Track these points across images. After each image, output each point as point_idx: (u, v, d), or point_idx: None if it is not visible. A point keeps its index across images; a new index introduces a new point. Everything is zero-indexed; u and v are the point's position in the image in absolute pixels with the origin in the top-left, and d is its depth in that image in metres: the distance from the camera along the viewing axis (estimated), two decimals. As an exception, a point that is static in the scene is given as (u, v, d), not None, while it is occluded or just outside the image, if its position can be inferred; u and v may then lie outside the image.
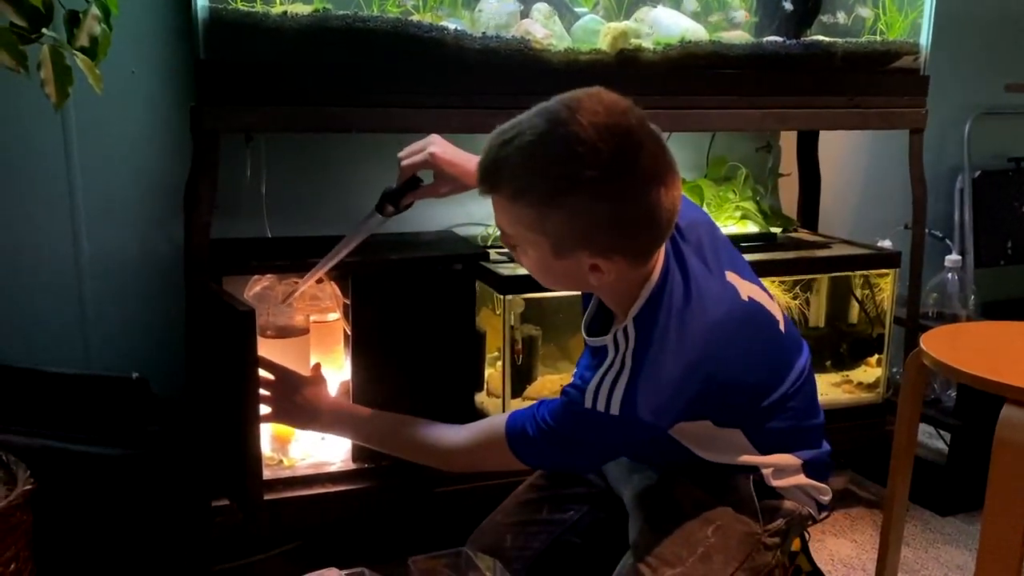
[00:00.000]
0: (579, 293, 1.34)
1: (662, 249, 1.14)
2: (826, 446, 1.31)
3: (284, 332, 1.63)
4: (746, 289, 1.20)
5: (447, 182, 1.37)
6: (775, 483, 1.24)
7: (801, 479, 1.26)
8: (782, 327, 1.26)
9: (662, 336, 1.10)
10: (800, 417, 1.26)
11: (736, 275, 1.21)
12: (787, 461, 1.25)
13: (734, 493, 1.23)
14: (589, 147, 1.00)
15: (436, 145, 1.36)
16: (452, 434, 1.29)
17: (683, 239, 1.18)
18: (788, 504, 1.25)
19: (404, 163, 1.37)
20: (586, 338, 1.24)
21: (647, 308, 1.12)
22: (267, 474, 1.58)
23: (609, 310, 1.22)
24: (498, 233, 1.90)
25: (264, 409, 1.39)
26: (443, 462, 1.32)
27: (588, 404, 1.10)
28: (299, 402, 1.37)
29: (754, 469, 1.23)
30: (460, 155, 1.37)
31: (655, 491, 1.27)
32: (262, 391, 1.38)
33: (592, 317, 1.25)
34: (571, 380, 1.17)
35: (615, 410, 1.08)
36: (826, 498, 1.29)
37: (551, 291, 1.72)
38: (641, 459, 1.32)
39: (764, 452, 1.23)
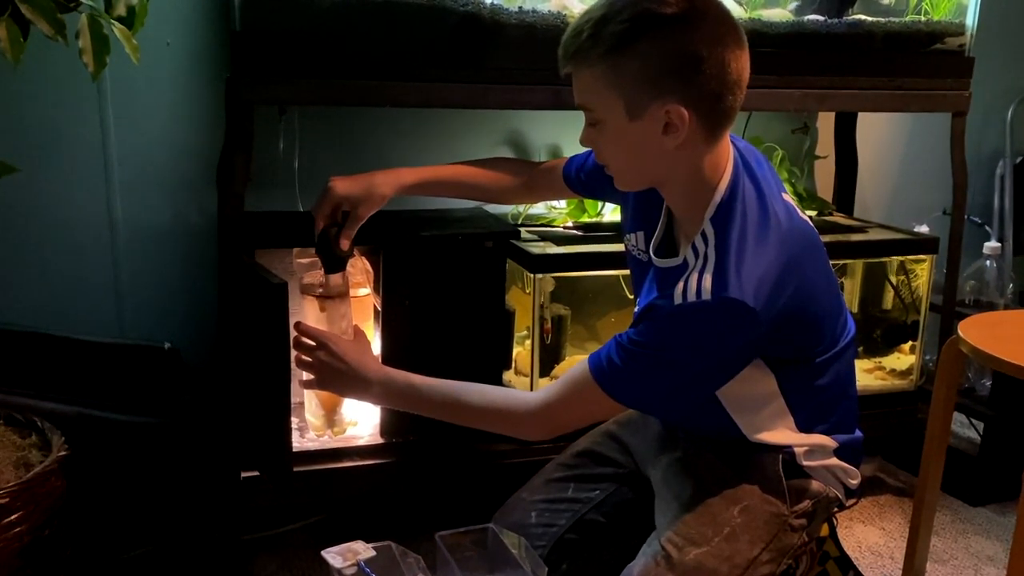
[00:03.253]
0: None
1: (731, 151, 1.17)
2: (859, 432, 1.30)
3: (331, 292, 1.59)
4: (802, 213, 1.21)
5: (360, 202, 1.43)
6: (806, 463, 1.23)
7: (832, 461, 1.25)
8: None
9: (742, 231, 1.11)
10: (842, 385, 1.25)
11: (790, 199, 1.22)
12: (822, 442, 1.24)
13: (761, 472, 1.22)
14: None
15: (332, 180, 1.44)
16: (530, 397, 1.26)
17: (745, 156, 1.19)
18: (815, 485, 1.24)
19: (313, 211, 1.44)
20: (657, 260, 1.23)
21: (723, 208, 1.13)
22: (296, 446, 1.59)
23: (674, 236, 1.22)
24: (529, 211, 1.92)
25: (307, 377, 1.36)
26: (522, 428, 1.26)
27: (678, 300, 1.09)
28: (345, 371, 1.31)
29: (786, 446, 1.22)
30: (359, 175, 1.45)
31: (682, 470, 1.26)
32: (305, 358, 1.34)
33: (660, 240, 1.24)
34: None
35: (706, 295, 1.07)
36: (854, 482, 1.28)
37: (581, 271, 1.73)
38: (681, 425, 1.32)
39: (801, 426, 1.22)
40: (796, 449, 1.22)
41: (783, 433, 1.22)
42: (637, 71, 1.08)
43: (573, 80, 1.15)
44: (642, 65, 1.07)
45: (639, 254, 1.30)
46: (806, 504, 1.23)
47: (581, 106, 1.16)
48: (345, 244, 1.43)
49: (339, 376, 1.32)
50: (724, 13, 1.11)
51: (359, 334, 1.43)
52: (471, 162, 1.56)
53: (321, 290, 1.49)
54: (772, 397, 1.20)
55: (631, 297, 1.46)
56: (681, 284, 1.10)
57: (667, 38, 1.07)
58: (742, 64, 1.11)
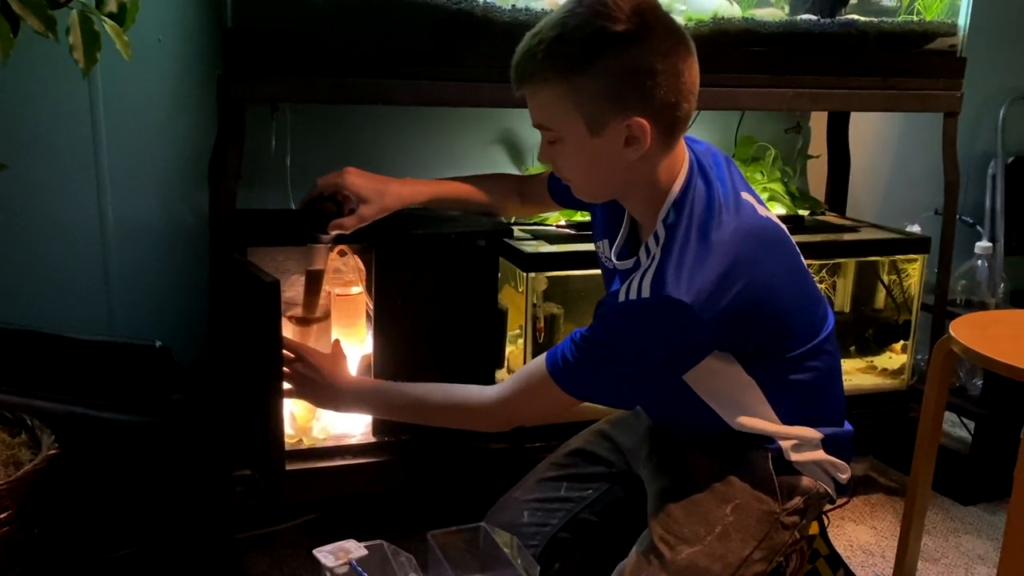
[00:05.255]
0: (601, 275, 1.34)
1: (686, 154, 1.19)
2: (848, 426, 1.30)
3: (306, 319, 1.63)
4: (763, 211, 1.22)
5: (366, 201, 1.45)
6: (794, 457, 1.23)
7: (820, 454, 1.26)
8: (805, 265, 1.26)
9: (687, 230, 1.12)
10: (823, 379, 1.25)
11: (751, 197, 1.22)
12: (807, 434, 1.24)
13: (752, 470, 1.23)
14: (612, 5, 1.08)
15: (350, 168, 1.46)
16: (488, 391, 1.30)
17: (701, 159, 1.21)
18: (806, 481, 1.25)
19: (318, 179, 1.47)
20: (618, 263, 1.25)
21: (674, 209, 1.15)
22: (288, 445, 1.58)
23: (638, 240, 1.23)
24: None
25: (286, 387, 1.40)
26: (482, 422, 1.32)
27: (621, 299, 1.11)
28: (320, 382, 1.37)
29: (772, 441, 1.23)
30: (377, 176, 1.48)
31: (673, 468, 1.27)
32: (284, 369, 1.39)
33: (622, 245, 1.27)
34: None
35: (646, 293, 1.09)
36: (844, 476, 1.29)
37: (574, 270, 1.73)
38: (664, 418, 1.32)
39: (784, 419, 1.22)
40: (783, 443, 1.23)
41: (765, 422, 1.22)
42: (596, 89, 1.09)
43: (529, 101, 1.16)
44: (601, 83, 1.09)
45: (606, 261, 1.32)
46: (797, 501, 1.24)
47: (539, 126, 1.17)
48: (335, 231, 1.45)
49: (314, 387, 1.38)
50: (672, 24, 1.12)
51: (335, 347, 1.46)
52: (473, 177, 1.60)
53: (301, 312, 1.54)
54: (749, 389, 1.21)
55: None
56: (624, 286, 1.12)
57: (622, 55, 1.08)
58: (694, 72, 1.13)
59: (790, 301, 1.19)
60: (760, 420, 1.22)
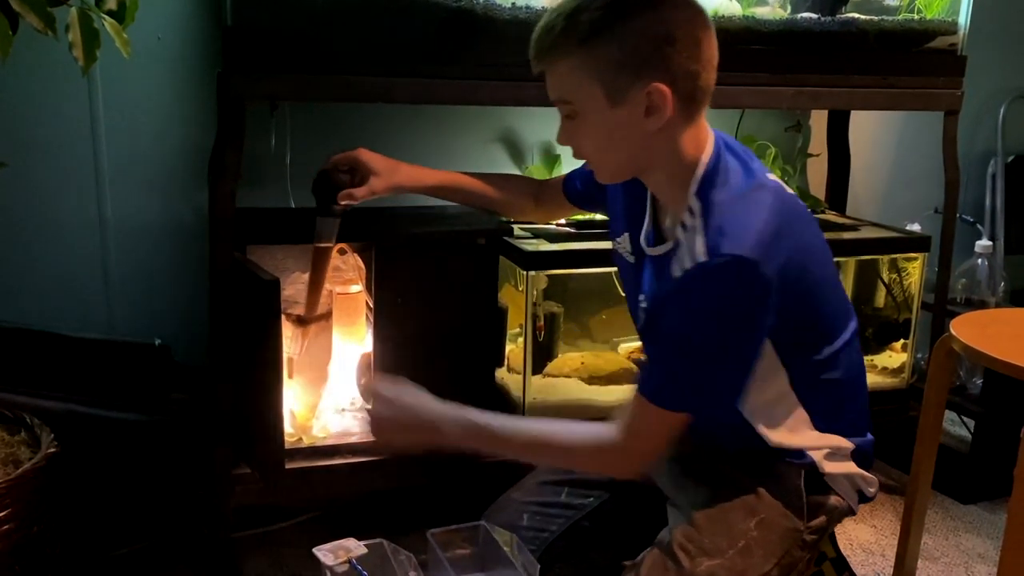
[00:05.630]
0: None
1: (711, 131, 1.16)
2: (870, 435, 1.28)
3: (306, 318, 1.62)
4: (790, 190, 1.20)
5: (377, 175, 1.45)
6: (828, 469, 1.20)
7: (852, 467, 1.22)
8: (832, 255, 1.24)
9: (727, 194, 1.10)
10: (853, 380, 1.23)
11: (776, 178, 1.20)
12: (838, 443, 1.21)
13: (782, 484, 1.19)
14: None
15: (363, 149, 1.47)
16: (606, 430, 1.17)
17: (727, 140, 1.19)
18: (833, 500, 1.22)
19: (333, 157, 1.46)
20: (650, 250, 1.22)
21: (706, 180, 1.13)
22: (288, 444, 1.58)
23: (661, 226, 1.21)
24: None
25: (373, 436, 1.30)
26: (613, 465, 1.21)
27: (677, 274, 1.08)
28: (412, 422, 1.24)
29: (803, 455, 1.19)
30: (388, 157, 1.48)
31: (698, 476, 1.23)
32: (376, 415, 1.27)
33: (648, 231, 1.23)
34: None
35: (703, 258, 1.05)
36: (873, 489, 1.26)
37: (574, 268, 1.73)
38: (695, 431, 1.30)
39: (819, 425, 1.20)
40: (815, 455, 1.19)
41: (801, 434, 1.19)
42: (615, 56, 1.08)
43: (547, 77, 1.14)
44: (619, 49, 1.08)
45: (628, 256, 1.29)
46: (821, 520, 1.21)
47: (558, 101, 1.15)
48: (344, 200, 1.45)
49: (407, 428, 1.25)
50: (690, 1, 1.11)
51: (364, 359, 1.45)
52: (486, 174, 1.58)
53: (305, 297, 1.52)
54: (785, 395, 1.18)
55: (624, 294, 1.47)
56: (672, 263, 1.10)
57: (641, 20, 1.07)
58: (712, 44, 1.12)
59: (823, 286, 1.17)
60: (797, 435, 1.19)
